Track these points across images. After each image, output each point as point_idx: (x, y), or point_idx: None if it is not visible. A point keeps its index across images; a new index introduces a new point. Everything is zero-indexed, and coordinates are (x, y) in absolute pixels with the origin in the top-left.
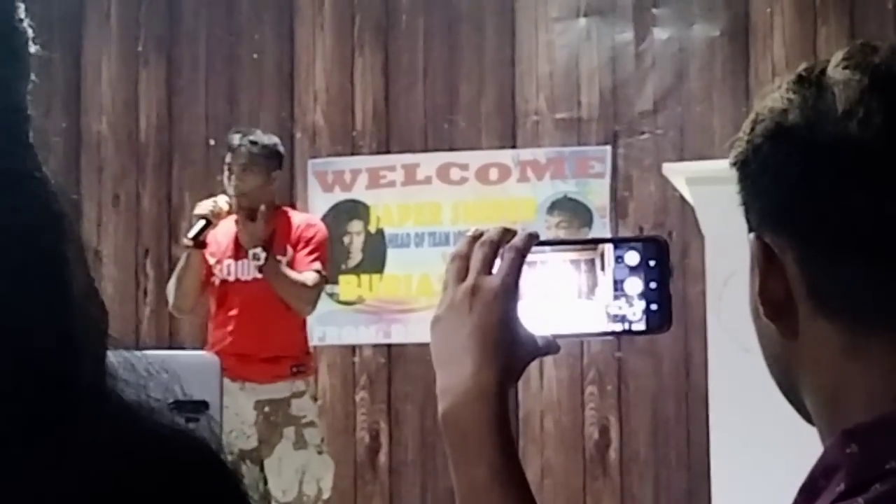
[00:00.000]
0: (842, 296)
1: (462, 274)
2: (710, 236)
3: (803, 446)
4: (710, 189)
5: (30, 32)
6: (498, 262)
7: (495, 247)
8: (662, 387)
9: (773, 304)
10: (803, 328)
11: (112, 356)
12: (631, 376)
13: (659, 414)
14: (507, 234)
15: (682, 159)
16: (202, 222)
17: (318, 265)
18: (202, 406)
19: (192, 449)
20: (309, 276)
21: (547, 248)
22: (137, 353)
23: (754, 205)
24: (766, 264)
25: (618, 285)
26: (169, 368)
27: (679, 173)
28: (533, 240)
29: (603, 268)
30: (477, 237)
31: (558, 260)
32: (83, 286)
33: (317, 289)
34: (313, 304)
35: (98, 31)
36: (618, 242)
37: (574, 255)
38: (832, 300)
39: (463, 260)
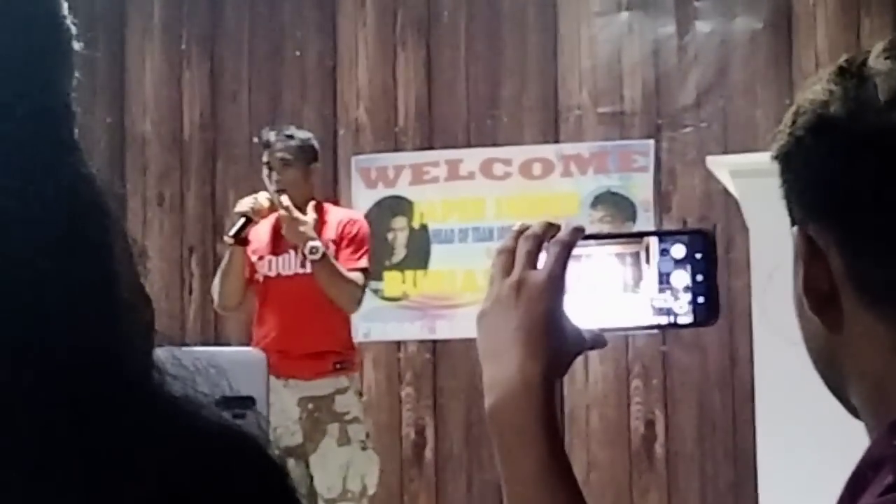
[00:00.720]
0: (886, 288)
1: (508, 268)
2: (754, 229)
3: (850, 439)
4: (754, 182)
5: (73, 30)
6: (543, 256)
7: (539, 241)
8: (708, 380)
9: (818, 297)
10: (848, 321)
11: (160, 352)
12: (676, 370)
13: (705, 408)
14: (552, 228)
15: (725, 152)
16: (243, 219)
17: (364, 262)
18: (249, 402)
19: (240, 444)
20: (356, 275)
21: (592, 241)
22: (184, 349)
23: (797, 197)
24: (810, 257)
25: (664, 278)
26: (216, 365)
27: (723, 166)
28: (579, 234)
29: (648, 261)
30: (522, 231)
31: (603, 254)
32: (130, 282)
33: (363, 287)
34: (360, 303)
35: (141, 29)
36: (663, 235)
37: (619, 249)
38: (877, 293)
39: (508, 254)
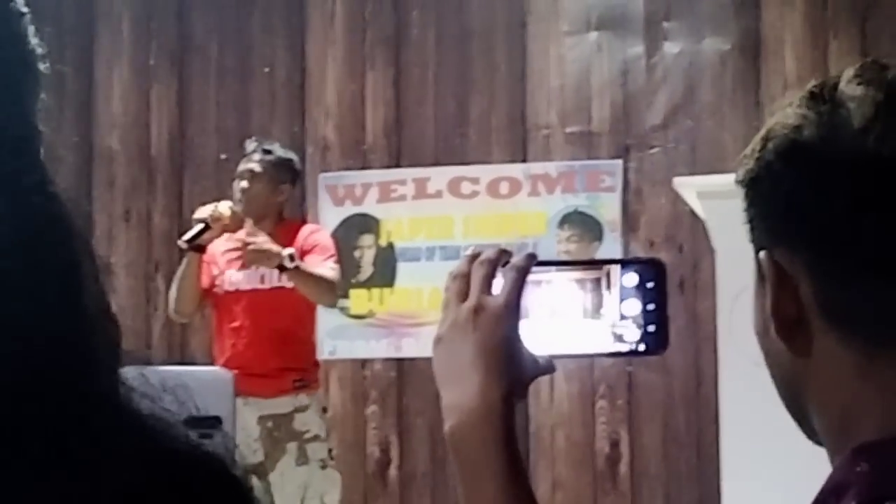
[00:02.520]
0: (856, 315)
1: (463, 293)
2: (721, 250)
3: (814, 462)
4: (721, 203)
5: (39, 51)
6: (498, 281)
7: (494, 266)
8: (673, 401)
9: (785, 322)
10: (816, 347)
11: (127, 370)
12: (641, 391)
13: (669, 428)
14: (505, 254)
15: (693, 173)
16: (200, 226)
17: (331, 262)
18: (215, 422)
19: (206, 464)
20: (327, 272)
21: (545, 268)
22: (151, 367)
23: (764, 222)
24: (778, 282)
25: (620, 306)
26: (182, 384)
27: (690, 187)
28: (532, 260)
29: (609, 288)
30: (475, 256)
31: (563, 279)
32: (97, 300)
33: (337, 280)
34: (337, 295)
35: (109, 45)
36: (616, 264)
37: (580, 275)
38: (846, 319)
39: (463, 279)
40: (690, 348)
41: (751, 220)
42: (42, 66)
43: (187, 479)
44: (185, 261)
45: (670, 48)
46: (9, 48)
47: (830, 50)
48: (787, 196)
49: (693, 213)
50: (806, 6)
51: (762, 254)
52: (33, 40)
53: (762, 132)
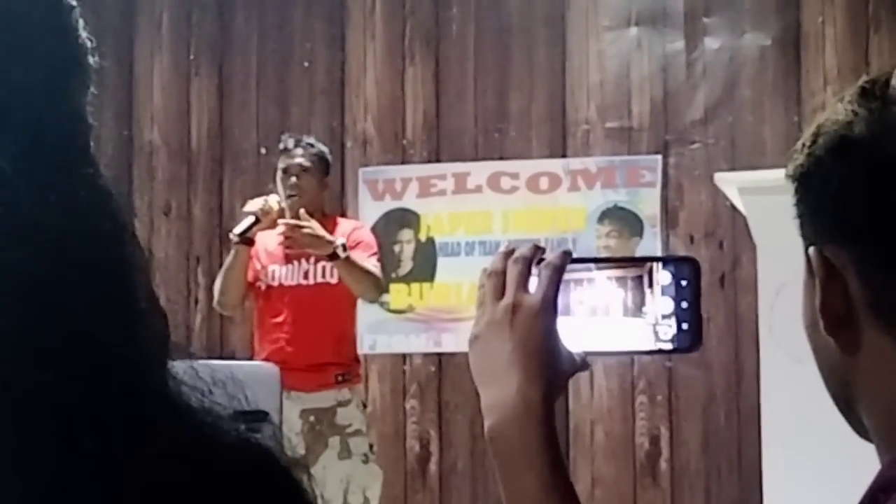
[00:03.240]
0: None
1: (499, 291)
2: (762, 246)
3: (857, 458)
4: (762, 199)
5: (88, 44)
6: (533, 278)
7: (529, 263)
8: (713, 396)
9: (834, 318)
10: (864, 343)
11: (178, 364)
12: (681, 386)
13: (710, 424)
14: (539, 250)
15: (732, 169)
16: (251, 219)
17: (374, 260)
18: (262, 416)
19: (257, 457)
20: (371, 264)
21: (580, 265)
22: (202, 361)
23: (814, 218)
24: (827, 278)
25: (650, 304)
26: (233, 377)
27: (731, 183)
28: (567, 257)
29: (650, 285)
30: (509, 253)
31: (599, 277)
32: (146, 293)
33: (380, 276)
34: (381, 292)
35: (150, 39)
36: (651, 262)
37: (619, 273)
38: (895, 317)
39: (498, 277)
40: (731, 344)
41: (801, 216)
42: (91, 60)
43: (238, 471)
44: (232, 253)
45: (710, 43)
46: (60, 42)
47: (871, 44)
48: (836, 192)
49: (733, 209)
50: (846, 1)
51: (811, 249)
52: (83, 34)
53: (812, 127)
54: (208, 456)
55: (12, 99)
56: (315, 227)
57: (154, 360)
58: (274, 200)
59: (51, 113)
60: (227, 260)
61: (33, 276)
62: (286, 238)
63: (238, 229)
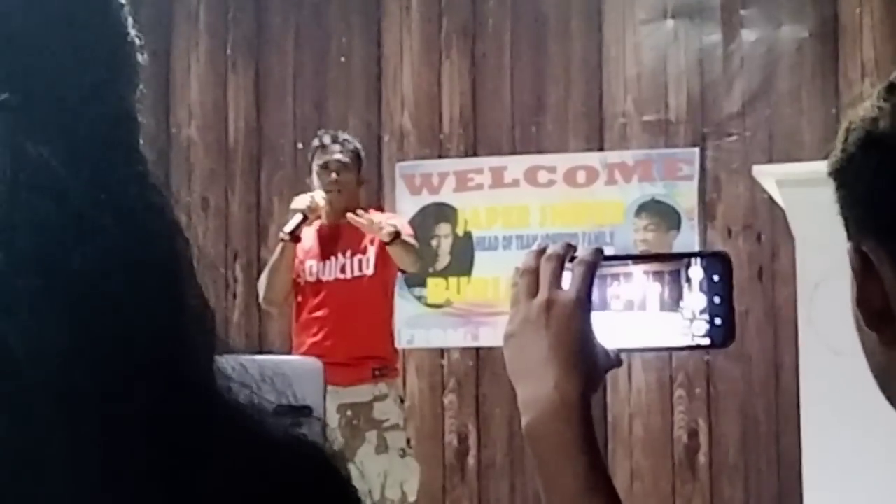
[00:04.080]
0: None
1: (533, 289)
2: (800, 239)
3: None
4: (801, 191)
5: (138, 42)
6: (567, 276)
7: (562, 261)
8: (752, 390)
9: (872, 313)
10: None
11: (226, 359)
12: (720, 380)
13: (749, 418)
14: (571, 248)
15: (770, 161)
16: (299, 216)
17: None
18: (307, 411)
19: (305, 453)
20: (412, 240)
21: (613, 262)
22: (248, 357)
23: (851, 213)
24: (864, 273)
25: (683, 300)
26: (280, 373)
27: (770, 175)
28: (600, 254)
29: (688, 280)
30: (542, 252)
31: (636, 272)
32: (194, 290)
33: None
34: (421, 259)
35: (187, 34)
36: (681, 258)
37: (656, 267)
38: None
39: (532, 275)
40: (769, 337)
41: (842, 212)
42: (140, 58)
43: (287, 467)
44: (279, 250)
45: (748, 35)
46: (110, 40)
47: None
48: (868, 187)
49: (771, 201)
50: None
51: (848, 245)
52: (131, 32)
53: (845, 123)
54: (256, 452)
55: (63, 98)
56: (368, 216)
57: (203, 358)
58: (320, 196)
59: (101, 111)
60: (274, 257)
61: (84, 274)
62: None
63: (289, 227)
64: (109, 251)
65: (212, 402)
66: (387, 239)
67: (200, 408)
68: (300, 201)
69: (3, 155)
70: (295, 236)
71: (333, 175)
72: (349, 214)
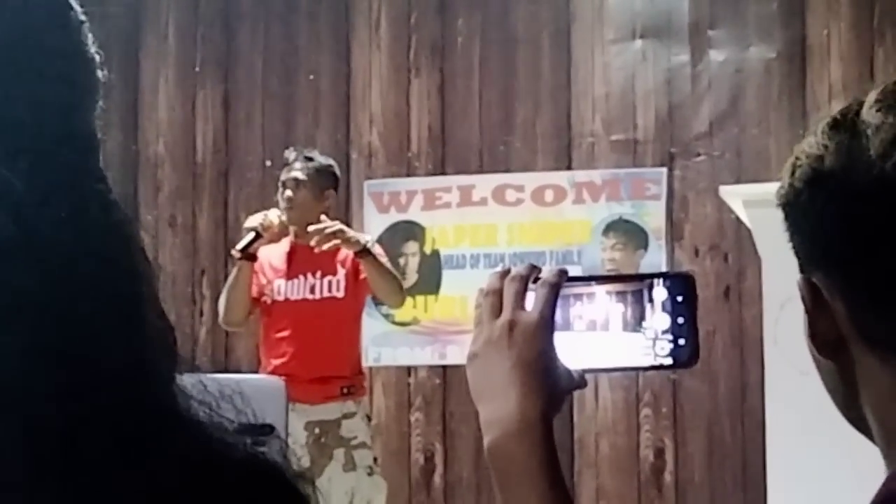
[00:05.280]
0: (888, 337)
1: (497, 309)
2: (767, 259)
3: (861, 470)
4: (768, 212)
5: (98, 58)
6: (530, 296)
7: (526, 282)
8: (718, 409)
9: (826, 343)
10: (858, 367)
11: (186, 377)
12: (686, 399)
13: (715, 437)
14: (535, 269)
15: (738, 182)
16: (252, 234)
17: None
18: (268, 430)
19: (265, 472)
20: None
21: (576, 283)
22: (209, 375)
23: (800, 246)
24: (815, 305)
25: (647, 320)
26: (240, 391)
27: (737, 196)
28: (564, 276)
29: (650, 300)
30: (506, 273)
31: (599, 292)
32: (154, 307)
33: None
34: (405, 295)
35: (155, 51)
36: (647, 278)
37: (619, 287)
38: (880, 341)
39: (496, 295)
40: (735, 357)
41: (790, 242)
42: (100, 74)
43: (247, 487)
44: (235, 270)
45: (716, 56)
46: (70, 56)
47: (877, 58)
48: (814, 224)
49: (738, 222)
50: (852, 14)
51: (798, 278)
52: (92, 49)
53: (791, 159)
54: (217, 471)
55: (22, 116)
56: (339, 225)
57: (163, 376)
58: (274, 215)
59: (60, 129)
60: (231, 277)
61: (43, 293)
62: (317, 242)
63: (240, 245)
64: (68, 270)
65: (171, 421)
66: (354, 248)
67: (160, 426)
68: (253, 220)
69: None
70: (248, 254)
71: (288, 192)
72: (310, 227)
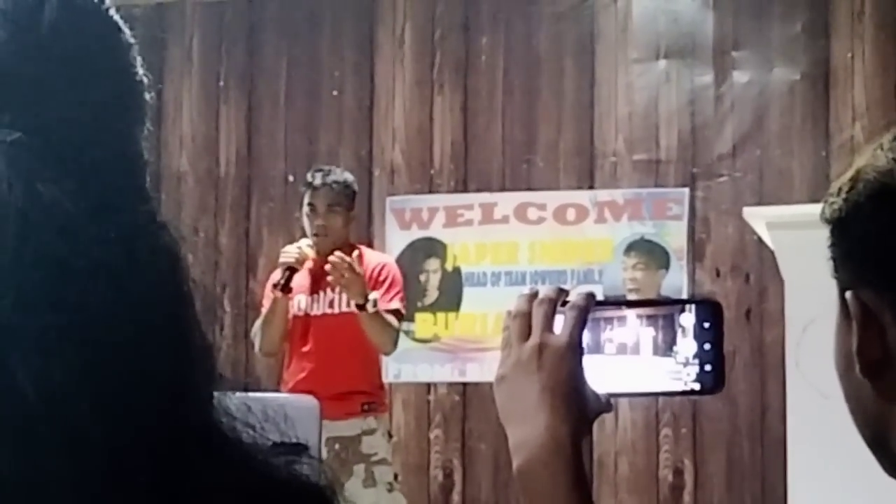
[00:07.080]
0: None
1: (525, 332)
2: (789, 281)
3: (883, 492)
4: (791, 234)
5: (146, 81)
6: (559, 319)
7: (554, 305)
8: (738, 431)
9: (870, 362)
10: None
11: (231, 398)
12: (706, 420)
13: (734, 458)
14: (563, 292)
15: (760, 203)
16: (289, 272)
17: (396, 303)
18: (302, 449)
19: (306, 494)
20: (390, 318)
21: (604, 306)
22: (252, 395)
23: (851, 262)
24: (865, 323)
25: (678, 345)
26: (283, 412)
27: (760, 217)
28: (592, 299)
29: (681, 325)
30: (534, 295)
31: (630, 317)
32: (199, 329)
33: (398, 329)
34: (396, 344)
35: (179, 67)
36: (674, 304)
37: (650, 311)
38: None
39: (524, 318)
40: (756, 378)
41: (835, 259)
42: (147, 97)
43: None
44: (271, 302)
45: (739, 77)
46: (120, 79)
47: None
48: (876, 239)
49: (760, 243)
50: (876, 36)
51: (849, 294)
52: (140, 71)
53: (851, 172)
54: (257, 493)
55: (73, 137)
56: (356, 266)
57: (207, 397)
58: (306, 245)
59: (110, 151)
60: (265, 310)
61: (93, 313)
62: (332, 268)
63: (280, 283)
64: (116, 290)
65: (215, 442)
66: (357, 300)
67: (204, 448)
68: (288, 254)
69: (16, 194)
70: (286, 287)
71: (319, 220)
72: (331, 257)
